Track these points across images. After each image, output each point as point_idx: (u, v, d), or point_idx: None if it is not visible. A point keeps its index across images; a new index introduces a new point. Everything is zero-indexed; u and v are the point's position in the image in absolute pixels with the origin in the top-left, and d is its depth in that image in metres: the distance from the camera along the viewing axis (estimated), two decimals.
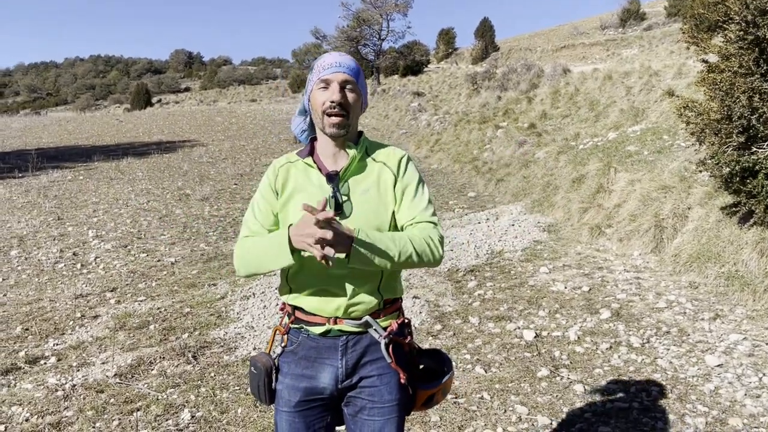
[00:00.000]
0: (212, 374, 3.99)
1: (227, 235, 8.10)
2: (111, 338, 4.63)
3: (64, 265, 6.76)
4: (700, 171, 5.56)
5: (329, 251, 1.61)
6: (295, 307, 1.90)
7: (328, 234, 1.60)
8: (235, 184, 12.24)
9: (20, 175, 14.10)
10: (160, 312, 5.21)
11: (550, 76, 18.05)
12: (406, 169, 1.91)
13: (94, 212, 9.78)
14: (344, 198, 1.83)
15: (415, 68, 44.22)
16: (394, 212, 1.88)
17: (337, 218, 1.79)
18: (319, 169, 1.88)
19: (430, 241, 1.80)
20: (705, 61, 5.69)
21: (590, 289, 5.23)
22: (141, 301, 5.53)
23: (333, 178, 1.84)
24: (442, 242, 1.85)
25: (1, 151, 20.25)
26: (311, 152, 1.92)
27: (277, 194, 1.91)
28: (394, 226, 1.88)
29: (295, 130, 2.05)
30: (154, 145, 20.44)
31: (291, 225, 1.73)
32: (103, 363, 4.18)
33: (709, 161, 5.15)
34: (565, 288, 5.31)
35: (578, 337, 4.26)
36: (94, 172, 14.63)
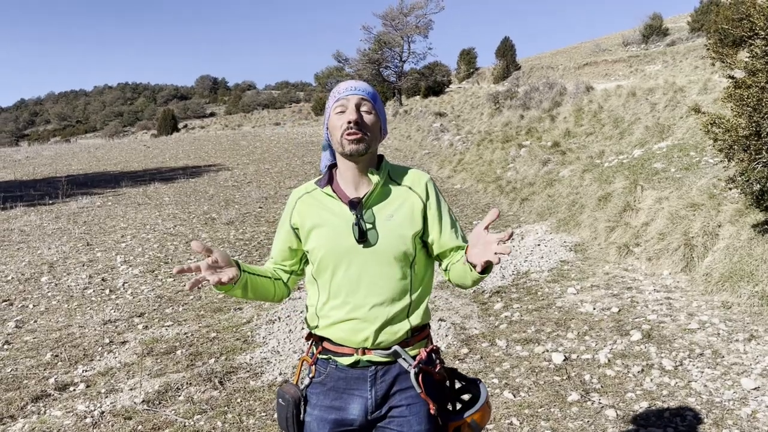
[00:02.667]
0: (239, 400, 3.98)
1: (252, 258, 8.14)
2: (138, 364, 4.66)
3: (93, 291, 6.85)
4: (730, 188, 5.46)
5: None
6: (322, 338, 1.89)
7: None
8: (260, 208, 12.33)
9: (51, 201, 14.39)
10: (187, 337, 5.24)
11: (573, 94, 17.97)
12: (435, 194, 1.92)
13: (122, 237, 9.92)
14: (368, 226, 1.82)
15: (436, 89, 44.42)
16: (417, 235, 1.86)
17: (362, 246, 1.79)
18: (340, 198, 1.87)
19: None
20: (731, 77, 5.61)
21: (620, 310, 5.14)
22: (168, 326, 5.57)
23: (356, 205, 1.83)
24: None
25: (32, 178, 20.71)
26: (330, 181, 1.92)
27: (296, 230, 1.93)
28: (419, 250, 1.87)
29: (322, 167, 2.05)
30: (181, 170, 20.75)
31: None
32: (131, 389, 4.20)
33: (739, 178, 5.06)
34: (594, 309, 5.22)
35: (609, 360, 4.18)
36: (122, 197, 14.88)
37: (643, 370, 4.01)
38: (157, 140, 42.67)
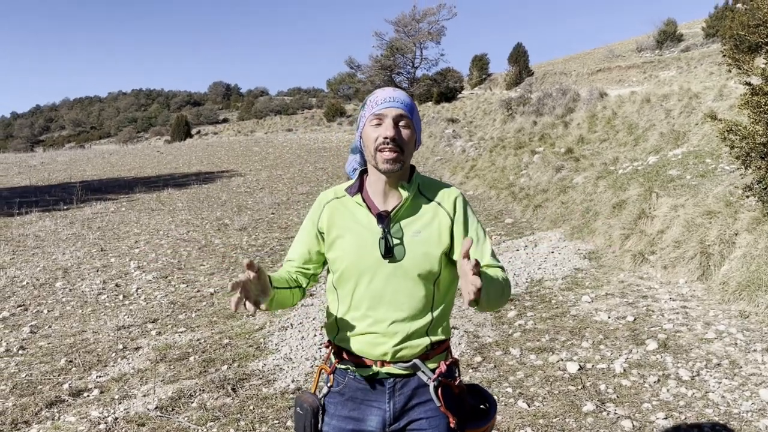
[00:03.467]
0: (251, 407, 3.97)
1: (265, 264, 8.15)
2: (152, 370, 4.67)
3: (107, 296, 6.88)
4: (747, 196, 5.40)
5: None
6: (341, 348, 1.87)
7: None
8: (273, 214, 12.36)
9: (65, 207, 14.51)
10: (200, 343, 5.25)
11: (587, 100, 17.90)
12: (464, 211, 1.87)
13: (136, 243, 9.97)
14: (396, 241, 1.79)
15: (448, 95, 44.43)
16: (444, 253, 1.82)
17: (387, 261, 1.77)
18: (369, 208, 1.84)
19: (505, 284, 1.79)
20: (748, 84, 5.56)
21: (635, 319, 5.08)
22: (181, 332, 5.58)
23: (384, 218, 1.79)
24: (510, 283, 1.85)
25: (47, 184, 20.91)
26: (360, 188, 1.89)
27: (321, 234, 1.89)
28: (444, 267, 1.84)
29: (347, 169, 2.02)
30: (194, 176, 20.86)
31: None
32: (144, 395, 4.21)
33: (757, 186, 5.00)
34: (609, 318, 5.17)
35: (624, 370, 4.13)
36: (136, 203, 14.98)
37: (659, 380, 3.96)
38: (170, 146, 42.98)
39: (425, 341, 1.81)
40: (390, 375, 1.82)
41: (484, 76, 53.85)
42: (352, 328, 1.82)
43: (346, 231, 1.84)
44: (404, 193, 1.81)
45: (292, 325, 5.54)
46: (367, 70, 43.09)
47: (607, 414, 3.61)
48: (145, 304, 6.57)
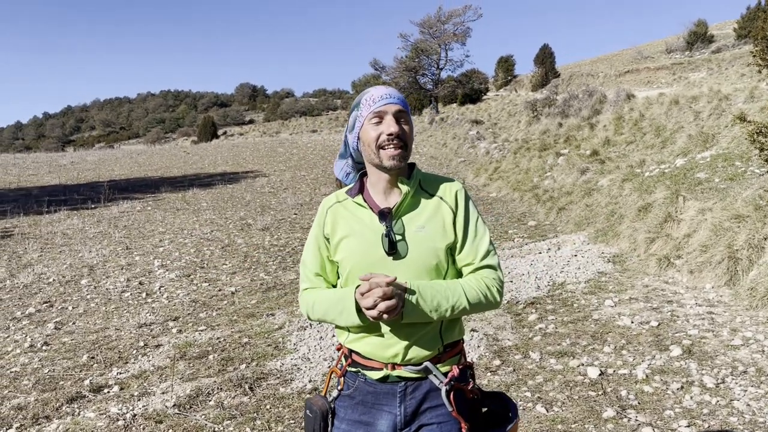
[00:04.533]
0: (268, 407, 3.98)
1: (286, 264, 8.18)
2: (171, 368, 4.70)
3: (130, 294, 6.96)
4: None
5: (386, 306, 1.61)
6: (352, 350, 1.85)
7: (391, 303, 1.61)
8: (295, 214, 12.41)
9: (93, 206, 14.75)
10: (220, 342, 5.27)
11: (614, 102, 17.66)
12: (465, 204, 1.84)
13: (160, 242, 10.08)
14: (398, 237, 1.77)
15: (473, 96, 44.24)
16: (449, 247, 1.80)
17: (392, 258, 1.75)
18: (371, 208, 1.83)
19: (487, 292, 1.75)
20: None
21: (659, 324, 4.98)
22: (201, 330, 5.61)
23: (385, 215, 1.77)
24: (501, 287, 1.80)
25: (76, 183, 21.27)
26: (361, 190, 1.88)
27: (328, 239, 1.88)
28: (451, 262, 1.82)
29: (338, 174, 2.01)
30: (219, 176, 21.06)
31: (358, 286, 1.71)
32: (163, 393, 4.24)
33: None
34: (632, 322, 5.07)
35: (647, 376, 4.04)
36: (162, 202, 15.16)
37: (682, 387, 3.86)
38: (197, 147, 43.45)
39: (437, 342, 1.78)
40: (401, 378, 1.78)
41: (509, 78, 53.53)
42: (363, 330, 1.79)
43: (349, 232, 1.83)
44: (404, 188, 1.80)
45: (311, 325, 5.54)
46: (392, 71, 43.03)
47: (628, 421, 3.53)
48: (168, 302, 6.63)
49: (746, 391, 3.76)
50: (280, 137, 45.42)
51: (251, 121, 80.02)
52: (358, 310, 1.71)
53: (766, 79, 19.16)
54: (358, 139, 1.84)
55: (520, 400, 3.87)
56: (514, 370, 4.34)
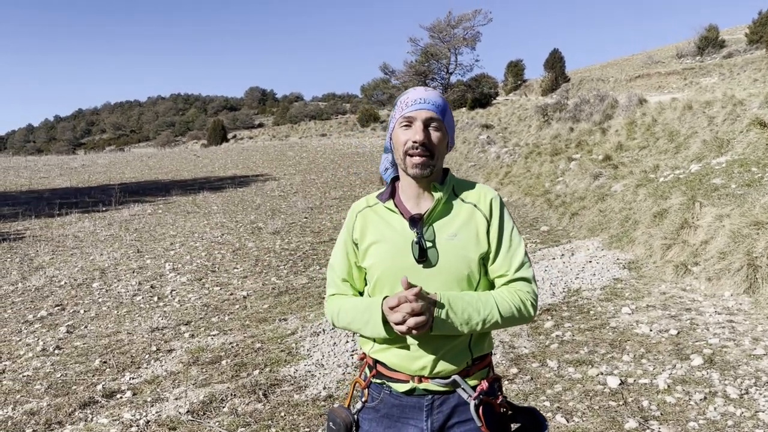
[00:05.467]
0: (282, 414, 3.92)
1: (297, 269, 8.14)
2: (184, 373, 4.66)
3: (142, 298, 6.94)
4: None
5: (414, 323, 1.56)
6: (377, 361, 1.79)
7: (420, 319, 1.57)
8: (306, 218, 12.38)
9: (104, 208, 14.78)
10: (232, 347, 5.23)
11: (625, 107, 17.53)
12: (501, 213, 1.78)
13: (171, 245, 10.07)
14: (429, 244, 1.71)
15: (483, 101, 44.16)
16: (482, 257, 1.74)
17: (422, 266, 1.69)
18: (401, 213, 1.77)
19: (521, 305, 1.69)
20: None
21: (678, 333, 4.89)
22: (214, 335, 5.57)
23: (416, 222, 1.72)
24: (536, 301, 1.74)
25: (87, 185, 21.35)
26: (392, 194, 1.82)
27: (356, 244, 1.82)
28: (484, 273, 1.75)
29: (380, 168, 1.96)
30: (229, 180, 21.08)
31: (386, 297, 1.66)
32: (177, 399, 4.19)
33: None
34: (651, 330, 4.99)
35: (668, 386, 3.96)
36: (172, 205, 15.17)
37: (705, 397, 3.78)
38: (206, 150, 43.58)
39: (466, 355, 1.72)
40: (428, 391, 1.73)
41: (519, 82, 53.41)
42: (389, 340, 1.73)
43: (379, 238, 1.77)
44: (437, 195, 1.74)
45: (324, 330, 5.49)
46: (402, 75, 43.10)
47: None
48: (179, 306, 6.60)
49: None
50: (290, 141, 45.50)
51: (261, 125, 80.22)
52: (385, 321, 1.66)
53: None
54: (391, 140, 1.80)
55: (539, 410, 3.79)
56: (531, 378, 4.27)
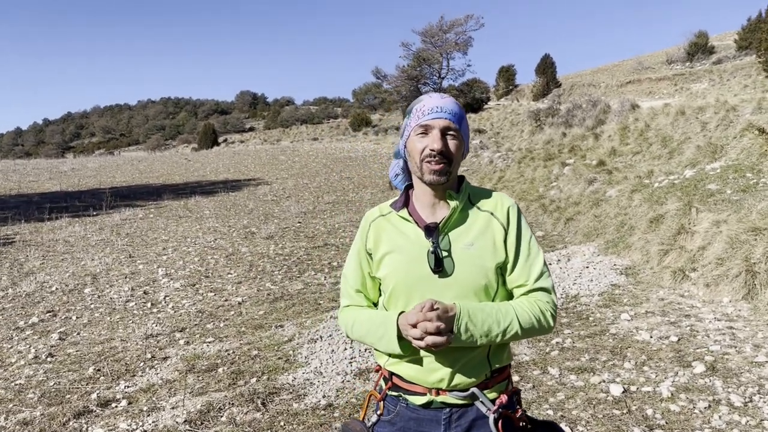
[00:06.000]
0: (282, 423, 3.86)
1: (292, 274, 8.07)
2: (180, 381, 4.58)
3: (135, 304, 6.84)
4: None
5: (433, 341, 1.53)
6: (393, 373, 1.74)
7: (440, 339, 1.53)
8: (299, 222, 12.31)
9: (95, 213, 14.63)
10: (229, 354, 5.15)
11: (618, 112, 17.60)
12: (518, 221, 1.74)
13: (164, 250, 9.97)
14: (444, 253, 1.67)
15: (475, 105, 44.25)
16: (500, 267, 1.70)
17: (437, 276, 1.65)
18: (416, 222, 1.73)
19: (540, 316, 1.65)
20: None
21: (679, 339, 4.87)
22: (209, 342, 5.49)
23: (432, 231, 1.67)
24: (555, 311, 1.70)
25: (77, 189, 21.17)
26: (406, 203, 1.78)
27: (370, 254, 1.78)
28: (501, 283, 1.71)
29: (390, 174, 1.92)
30: (221, 184, 20.97)
31: (401, 313, 1.61)
32: (173, 408, 4.11)
33: None
34: (651, 337, 4.96)
35: (672, 394, 3.93)
36: (164, 210, 15.05)
37: (710, 406, 3.75)
38: (197, 154, 43.40)
39: (485, 367, 1.67)
40: (446, 404, 1.68)
41: (510, 87, 53.60)
42: (406, 352, 1.68)
43: (393, 248, 1.73)
44: (453, 204, 1.70)
45: (321, 337, 5.43)
46: (394, 80, 43.10)
47: None
48: (173, 312, 6.52)
49: None
50: (281, 145, 45.40)
51: (252, 129, 80.00)
52: (399, 337, 1.61)
53: None
54: (405, 147, 1.75)
55: (543, 419, 3.74)
56: (533, 386, 4.22)
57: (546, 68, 47.20)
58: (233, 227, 12.10)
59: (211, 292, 7.29)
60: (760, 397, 3.82)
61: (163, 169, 29.76)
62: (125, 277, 8.16)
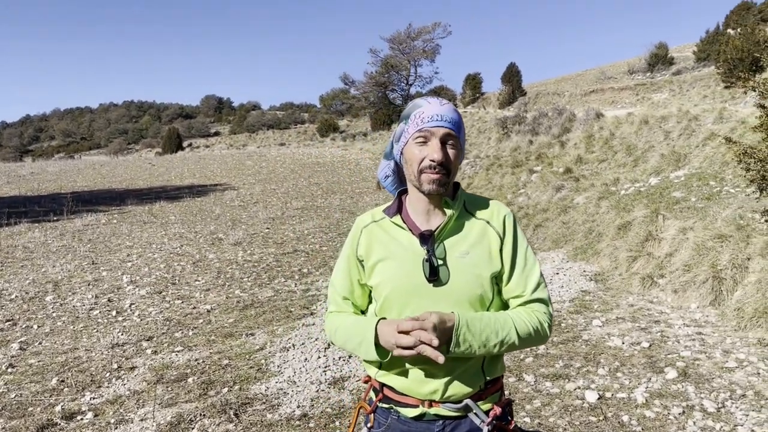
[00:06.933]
0: None
1: (262, 281, 7.94)
2: (149, 392, 4.44)
3: (99, 312, 6.64)
4: (767, 220, 5.28)
5: (424, 350, 1.47)
6: (383, 384, 1.69)
7: (434, 341, 1.47)
8: (268, 229, 12.16)
9: (55, 218, 14.23)
10: (198, 364, 5.03)
11: (583, 121, 17.88)
12: (514, 231, 1.71)
13: (128, 256, 9.73)
14: (440, 262, 1.63)
15: None
16: (495, 276, 1.67)
17: (432, 284, 1.61)
18: (410, 229, 1.68)
19: (539, 326, 1.63)
20: (762, 106, 5.48)
21: (650, 345, 4.93)
22: (178, 351, 5.35)
23: (427, 239, 1.63)
24: (551, 322, 1.68)
25: (37, 194, 20.59)
26: (399, 209, 1.74)
27: (361, 262, 1.73)
28: (497, 293, 1.68)
29: (379, 175, 1.87)
30: (186, 189, 20.63)
31: (381, 319, 1.57)
32: (142, 420, 3.98)
33: None
34: (623, 343, 5.01)
35: (646, 400, 3.96)
36: (128, 215, 14.72)
37: (684, 411, 3.79)
38: (162, 158, 42.69)
39: (479, 378, 1.64)
40: (439, 416, 1.64)
41: (477, 95, 54.05)
42: (398, 363, 1.64)
43: (387, 255, 1.68)
44: (448, 211, 1.66)
45: (294, 345, 5.34)
46: (362, 86, 43.12)
47: None
48: (140, 320, 6.34)
49: (748, 415, 3.70)
50: (248, 150, 44.94)
51: (217, 134, 79.05)
52: (377, 343, 1.57)
53: (729, 100, 19.62)
54: (401, 153, 1.70)
55: (520, 426, 3.73)
56: (510, 393, 4.21)
57: (512, 77, 47.73)
58: (200, 233, 11.89)
59: (178, 299, 7.13)
60: (732, 402, 3.88)
61: (127, 173, 29.16)
62: (88, 285, 7.92)
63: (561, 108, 21.22)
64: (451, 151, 1.63)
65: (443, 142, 1.62)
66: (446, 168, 1.62)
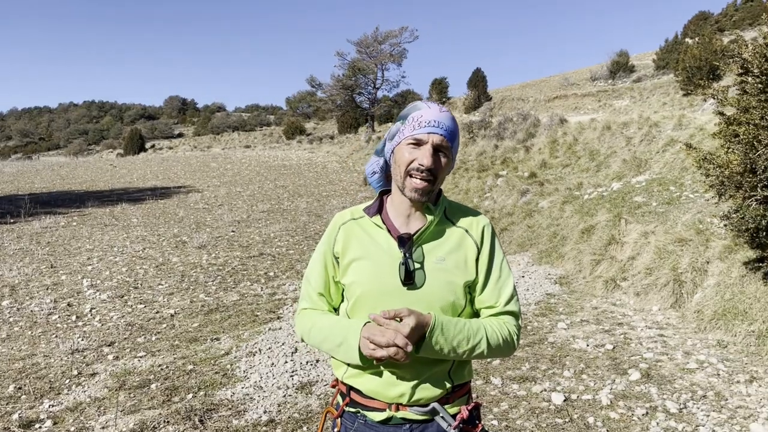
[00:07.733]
0: None
1: (227, 285, 7.84)
2: (110, 399, 4.33)
3: (59, 317, 6.46)
4: (725, 225, 5.42)
5: (396, 354, 1.48)
6: (351, 388, 1.68)
7: (408, 347, 1.47)
8: (233, 231, 12.01)
9: (12, 221, 13.81)
10: (162, 369, 4.92)
11: (547, 126, 18.14)
12: (492, 242, 1.72)
13: (89, 260, 9.50)
14: (417, 265, 1.62)
15: None
16: (468, 285, 1.67)
17: (406, 288, 1.60)
18: (389, 231, 1.68)
19: (508, 338, 1.65)
20: (721, 113, 5.62)
21: (614, 347, 5.01)
22: (141, 357, 5.24)
23: (405, 242, 1.63)
24: (519, 333, 1.69)
25: None
26: (380, 209, 1.73)
27: (337, 259, 1.71)
28: (469, 301, 1.68)
29: (367, 170, 1.85)
30: (149, 191, 20.26)
31: (366, 323, 1.56)
32: (103, 428, 3.88)
33: (734, 215, 5.01)
34: (588, 346, 5.08)
35: (611, 402, 4.02)
36: (88, 218, 14.37)
37: (647, 412, 3.86)
38: (123, 160, 41.89)
39: (446, 383, 1.64)
40: (406, 420, 1.64)
41: (443, 99, 54.43)
42: (367, 363, 1.63)
43: (363, 254, 1.67)
44: (429, 217, 1.66)
45: (260, 350, 5.27)
46: (329, 89, 42.98)
47: None
48: (100, 325, 6.19)
49: (709, 416, 3.78)
50: (213, 152, 44.41)
51: (181, 135, 77.95)
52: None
53: (688, 108, 20.11)
54: (392, 152, 1.69)
55: (488, 429, 3.75)
56: (477, 396, 4.23)
57: (477, 82, 48.19)
58: (163, 236, 11.67)
59: (140, 303, 6.98)
60: (694, 403, 3.96)
61: (87, 175, 28.51)
62: (47, 289, 7.70)
63: (526, 113, 21.51)
64: (442, 159, 1.63)
65: (435, 149, 1.62)
66: (433, 174, 1.61)
